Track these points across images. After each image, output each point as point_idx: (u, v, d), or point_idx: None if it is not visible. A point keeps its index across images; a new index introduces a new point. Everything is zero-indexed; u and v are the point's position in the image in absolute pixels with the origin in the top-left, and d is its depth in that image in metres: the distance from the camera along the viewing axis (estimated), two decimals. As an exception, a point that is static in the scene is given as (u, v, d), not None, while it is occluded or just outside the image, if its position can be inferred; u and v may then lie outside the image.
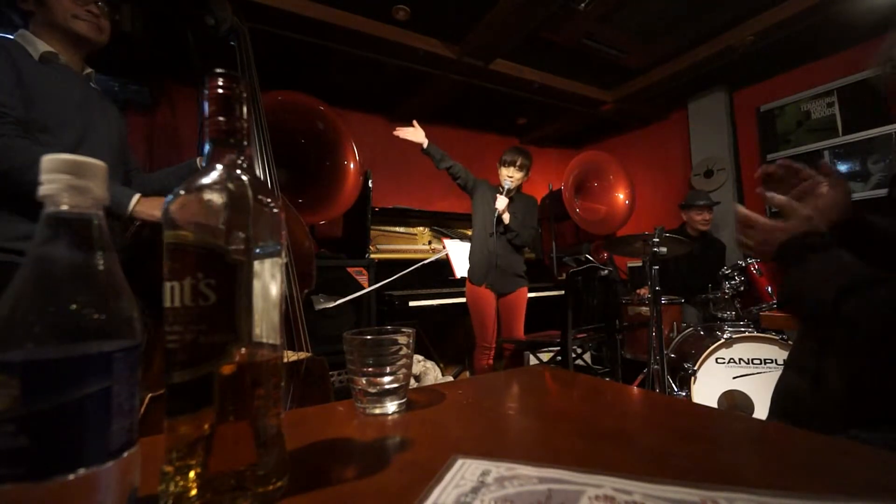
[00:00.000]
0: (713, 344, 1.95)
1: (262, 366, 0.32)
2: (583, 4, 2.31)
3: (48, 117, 1.14)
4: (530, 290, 3.17)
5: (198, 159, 1.39)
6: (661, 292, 1.87)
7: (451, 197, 3.36)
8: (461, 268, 2.79)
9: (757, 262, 2.10)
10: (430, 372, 2.70)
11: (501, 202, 2.39)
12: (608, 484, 0.30)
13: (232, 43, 1.52)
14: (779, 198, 0.70)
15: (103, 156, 1.28)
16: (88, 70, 1.31)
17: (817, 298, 0.59)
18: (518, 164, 2.44)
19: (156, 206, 1.17)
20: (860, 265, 0.59)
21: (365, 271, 2.61)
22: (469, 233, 2.91)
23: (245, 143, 0.34)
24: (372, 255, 2.78)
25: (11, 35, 1.20)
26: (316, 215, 2.63)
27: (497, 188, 2.48)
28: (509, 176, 2.44)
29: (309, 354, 1.25)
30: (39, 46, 1.18)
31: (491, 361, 2.38)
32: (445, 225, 3.46)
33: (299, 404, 1.18)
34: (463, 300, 2.53)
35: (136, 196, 1.19)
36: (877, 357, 0.58)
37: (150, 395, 0.92)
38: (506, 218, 2.38)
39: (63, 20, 1.19)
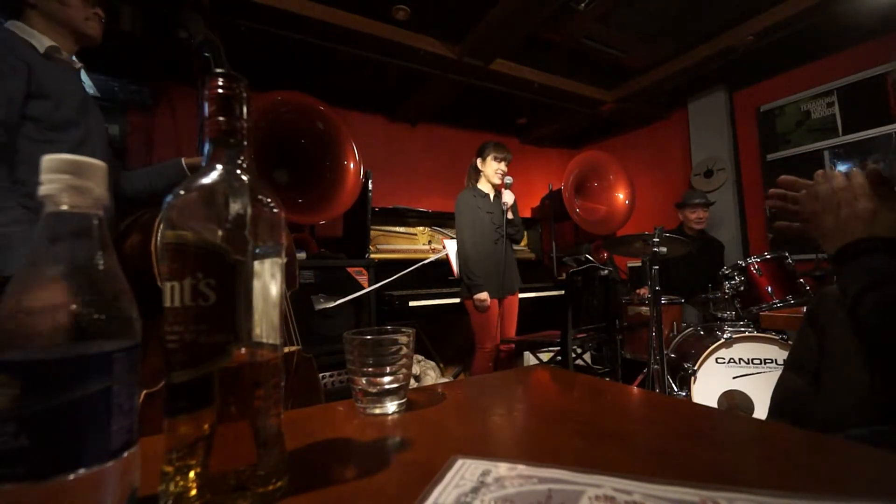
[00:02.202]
0: (713, 344, 1.95)
1: (262, 366, 0.32)
2: (583, 4, 2.31)
3: (58, 114, 1.14)
4: (530, 291, 3.17)
5: (182, 159, 1.38)
6: (661, 292, 1.87)
7: (450, 197, 3.36)
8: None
9: (758, 262, 2.09)
10: (430, 372, 2.71)
11: (509, 196, 2.37)
12: (608, 484, 0.30)
13: (206, 54, 1.54)
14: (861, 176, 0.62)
15: (102, 154, 1.25)
16: (79, 65, 1.29)
17: (849, 292, 0.58)
18: (509, 159, 2.43)
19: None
20: None
21: (365, 271, 2.61)
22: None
23: (245, 142, 0.34)
24: (372, 255, 2.78)
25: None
26: (316, 215, 2.63)
27: (479, 190, 2.44)
28: (502, 170, 2.42)
29: (298, 348, 1.26)
30: (43, 41, 1.16)
31: (492, 364, 2.37)
32: (445, 225, 3.46)
33: (291, 398, 1.19)
34: (463, 300, 2.53)
35: (182, 160, 1.28)
36: (879, 355, 0.58)
37: (144, 391, 0.93)
38: (509, 214, 2.39)
39: (78, 21, 1.20)
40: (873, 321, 0.54)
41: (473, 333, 2.40)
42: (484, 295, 2.28)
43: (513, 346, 2.47)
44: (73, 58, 1.26)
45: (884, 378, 0.63)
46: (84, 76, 2.24)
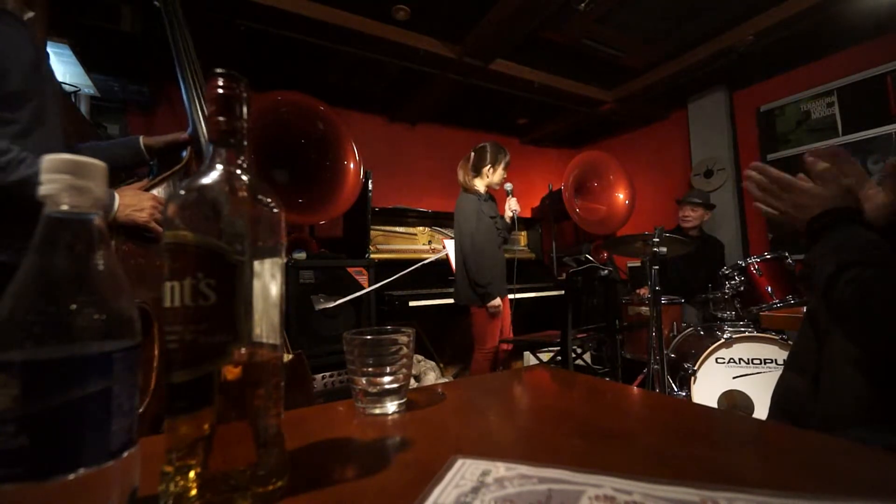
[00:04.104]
0: (713, 344, 1.95)
1: (262, 366, 0.32)
2: (583, 4, 2.31)
3: (4, 86, 0.92)
4: (530, 291, 3.16)
5: (141, 138, 1.24)
6: (661, 292, 1.87)
7: (450, 197, 3.38)
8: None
9: (758, 262, 2.09)
10: (430, 372, 2.71)
11: (517, 203, 2.38)
12: (608, 484, 0.30)
13: (156, 3, 1.37)
14: (823, 164, 0.68)
15: (57, 130, 1.07)
16: (30, 14, 1.03)
17: (823, 272, 0.60)
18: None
19: (133, 205, 1.02)
20: (878, 244, 0.59)
21: (365, 271, 2.61)
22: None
23: (245, 142, 0.34)
24: (372, 255, 2.78)
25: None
26: (316, 215, 2.63)
27: (481, 193, 2.40)
28: (505, 177, 2.43)
29: (290, 356, 1.23)
30: None
31: (490, 363, 2.37)
32: (445, 225, 3.46)
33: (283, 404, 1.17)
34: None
35: (117, 196, 0.99)
36: (854, 335, 0.59)
37: None
38: (508, 219, 2.40)
39: None
40: (848, 302, 0.57)
41: (473, 335, 2.38)
42: (497, 301, 2.27)
43: (510, 345, 2.47)
44: (24, 7, 1.01)
45: (883, 377, 0.63)
46: (83, 74, 2.24)
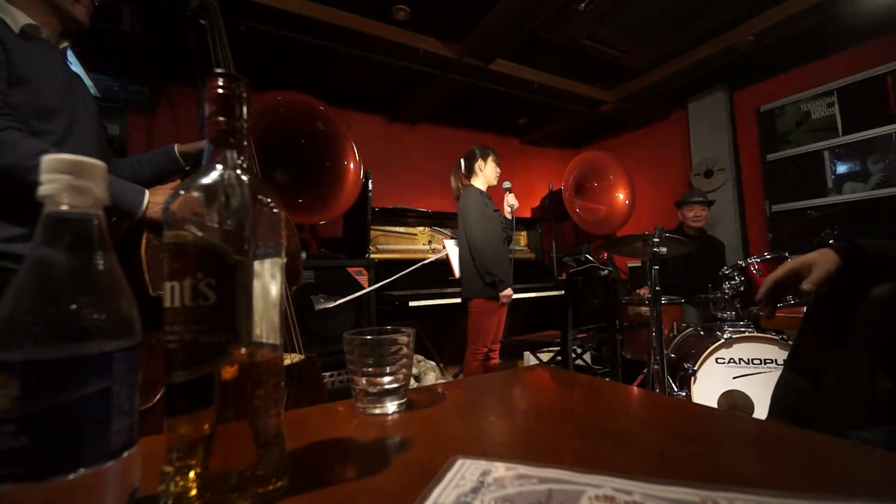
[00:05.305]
0: (713, 344, 1.95)
1: (262, 366, 0.32)
2: (582, 4, 2.31)
3: (39, 101, 1.02)
4: (530, 291, 3.16)
5: (175, 146, 1.29)
6: (661, 292, 1.87)
7: (450, 197, 3.38)
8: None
9: (758, 262, 2.10)
10: (430, 372, 2.70)
11: (515, 200, 2.39)
12: (608, 484, 0.30)
13: (202, 21, 1.43)
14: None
15: (91, 142, 1.15)
16: (65, 44, 1.15)
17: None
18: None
19: (162, 203, 1.04)
20: None
21: (365, 271, 2.61)
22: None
23: (245, 143, 0.34)
24: (372, 255, 2.78)
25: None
26: (316, 215, 2.63)
27: (482, 190, 2.43)
28: (499, 173, 2.45)
29: (302, 357, 1.23)
30: (19, 18, 1.03)
31: (482, 367, 2.36)
32: (445, 225, 3.46)
33: (294, 406, 1.17)
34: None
35: (147, 193, 1.05)
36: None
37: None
38: (508, 216, 2.41)
39: (65, 1, 1.08)
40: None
41: (468, 333, 2.36)
42: (510, 291, 2.27)
43: (496, 354, 2.45)
44: (59, 38, 1.13)
45: (885, 377, 0.63)
46: (84, 74, 2.24)
